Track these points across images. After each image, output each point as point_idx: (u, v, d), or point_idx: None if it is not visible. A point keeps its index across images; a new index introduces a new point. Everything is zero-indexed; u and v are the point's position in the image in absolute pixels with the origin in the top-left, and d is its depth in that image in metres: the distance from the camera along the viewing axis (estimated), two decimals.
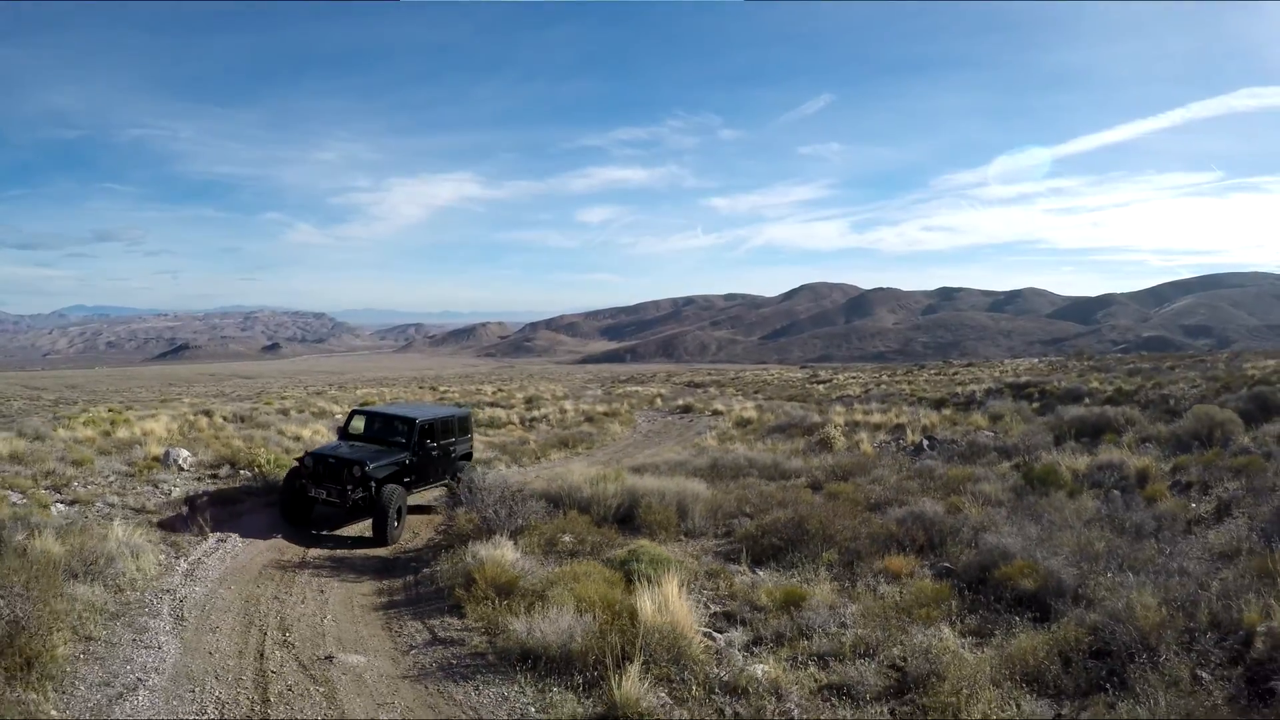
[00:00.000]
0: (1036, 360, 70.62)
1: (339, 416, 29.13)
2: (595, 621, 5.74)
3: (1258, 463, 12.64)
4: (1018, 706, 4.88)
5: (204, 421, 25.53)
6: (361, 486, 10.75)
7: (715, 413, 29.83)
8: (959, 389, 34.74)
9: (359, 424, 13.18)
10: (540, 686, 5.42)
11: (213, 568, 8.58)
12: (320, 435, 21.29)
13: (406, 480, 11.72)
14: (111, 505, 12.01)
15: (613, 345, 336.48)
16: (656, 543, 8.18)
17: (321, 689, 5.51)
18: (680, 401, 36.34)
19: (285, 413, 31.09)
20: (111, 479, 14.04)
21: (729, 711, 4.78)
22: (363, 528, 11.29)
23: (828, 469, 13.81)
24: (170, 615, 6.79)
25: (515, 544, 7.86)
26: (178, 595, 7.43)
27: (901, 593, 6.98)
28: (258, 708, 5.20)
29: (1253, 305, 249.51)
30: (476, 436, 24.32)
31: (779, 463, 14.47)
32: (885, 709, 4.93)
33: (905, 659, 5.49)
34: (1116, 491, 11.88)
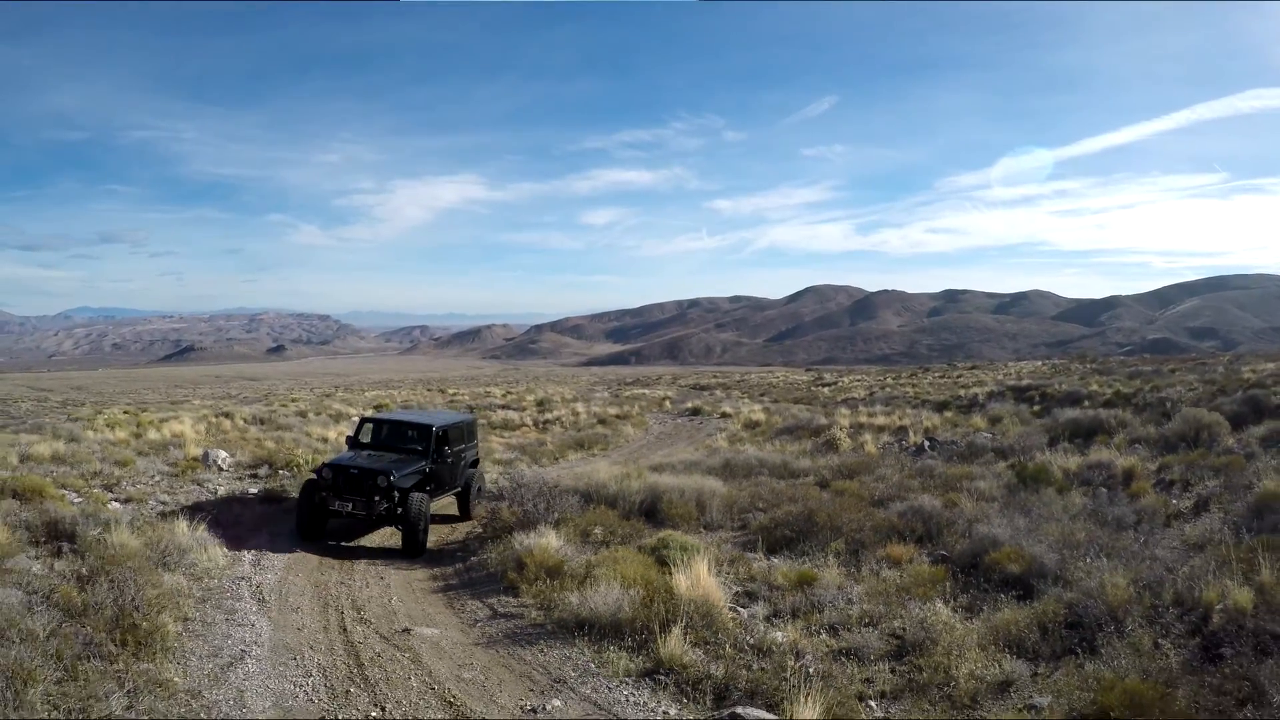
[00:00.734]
0: (1040, 363, 71.08)
1: (354, 418, 30.03)
2: (639, 595, 6.67)
3: (1238, 462, 13.45)
4: (1000, 666, 5.74)
5: (227, 424, 26.45)
6: (386, 497, 10.45)
7: (724, 415, 30.63)
8: (962, 392, 35.34)
9: (372, 432, 12.78)
10: (597, 648, 6.37)
11: (277, 558, 9.45)
12: (345, 435, 22.16)
13: (428, 489, 11.43)
14: (163, 503, 12.87)
15: (618, 348, 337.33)
16: (681, 533, 9.06)
17: (406, 655, 6.39)
18: (688, 404, 37.13)
19: (303, 415, 31.98)
20: (157, 479, 14.93)
21: (755, 666, 5.67)
22: (382, 538, 11.19)
23: (834, 468, 14.66)
24: (251, 599, 7.67)
25: (556, 533, 8.75)
26: (253, 582, 8.30)
27: (902, 576, 7.84)
28: (355, 670, 6.06)
29: (1258, 307, 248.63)
30: (494, 438, 25.16)
31: (788, 462, 15.33)
32: (887, 668, 5.79)
33: (904, 629, 6.37)
34: (1104, 489, 12.74)
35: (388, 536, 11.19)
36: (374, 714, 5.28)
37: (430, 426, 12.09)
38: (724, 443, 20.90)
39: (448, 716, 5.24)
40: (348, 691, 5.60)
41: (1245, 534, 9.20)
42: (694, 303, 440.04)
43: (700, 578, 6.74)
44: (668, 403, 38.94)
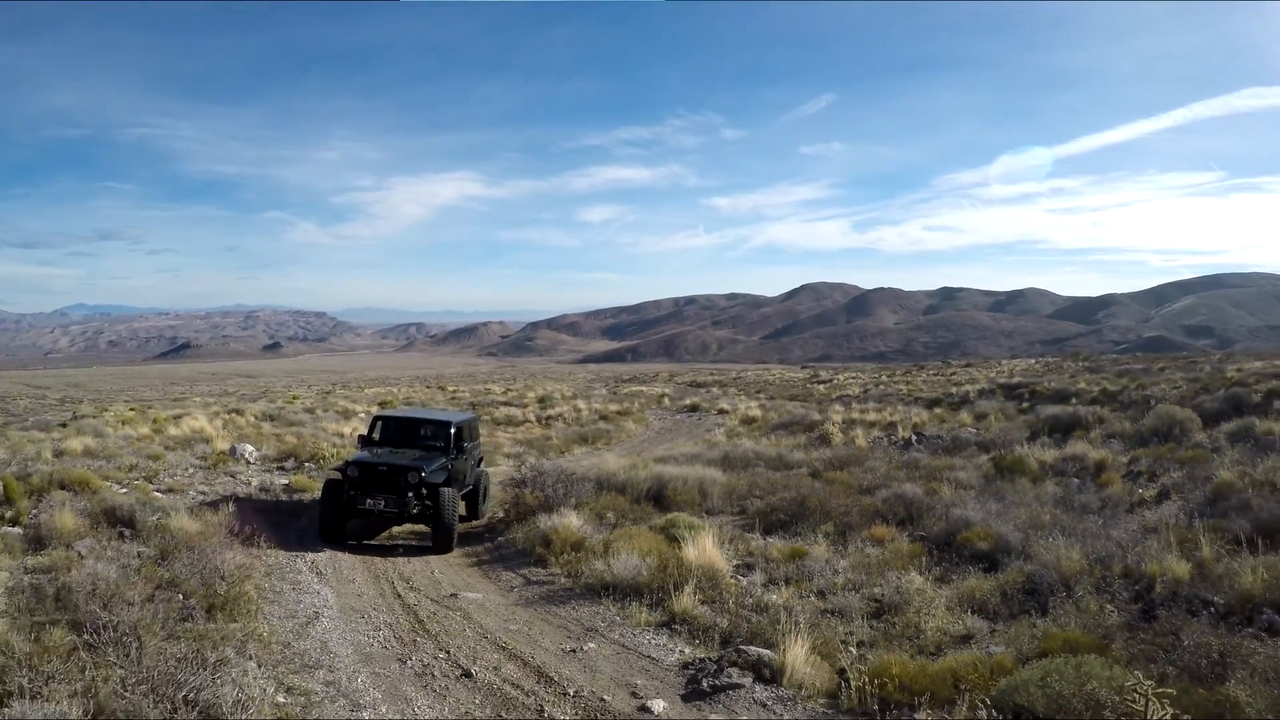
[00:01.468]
0: (1033, 361, 72.04)
1: (362, 415, 30.90)
2: (653, 563, 7.68)
3: (1203, 455, 14.43)
4: (963, 623, 6.71)
5: (241, 420, 27.34)
6: (418, 494, 10.47)
7: (721, 411, 31.60)
8: (954, 389, 36.24)
9: (386, 429, 12.67)
10: (620, 605, 7.42)
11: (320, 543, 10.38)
12: (359, 431, 23.02)
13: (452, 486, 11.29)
14: (203, 493, 13.76)
15: (614, 345, 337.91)
16: (687, 515, 10.05)
17: (457, 613, 7.40)
18: (686, 401, 38.10)
19: (311, 411, 32.89)
20: (191, 471, 15.83)
21: (754, 619, 6.63)
22: (404, 535, 11.35)
23: (826, 460, 15.63)
24: (310, 572, 8.62)
25: (576, 514, 9.73)
26: (307, 558, 9.22)
27: (883, 552, 8.80)
28: (416, 625, 7.06)
29: (1254, 305, 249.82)
30: (500, 434, 26.07)
31: (783, 455, 16.31)
32: (866, 623, 6.75)
33: (883, 594, 7.33)
34: (1076, 479, 13.74)
35: (410, 533, 11.32)
36: (441, 656, 6.25)
37: (449, 423, 12.20)
38: (722, 437, 21.88)
39: (502, 656, 6.24)
40: (415, 640, 6.57)
41: (1199, 519, 10.18)
42: (690, 300, 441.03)
43: (706, 549, 7.76)
44: (666, 400, 39.90)
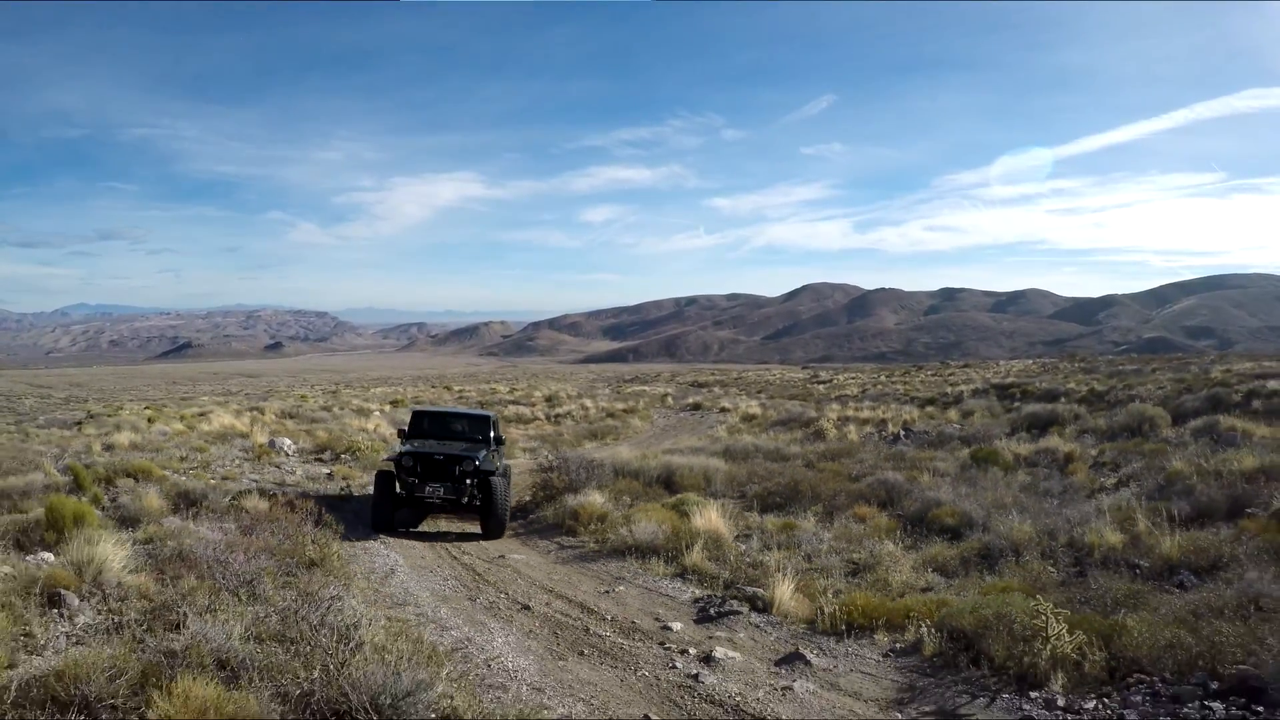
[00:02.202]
0: (1031, 362, 73.08)
1: (377, 413, 32.32)
2: (668, 529, 9.15)
3: (1163, 448, 15.82)
4: (924, 578, 8.11)
5: (265, 418, 28.76)
6: (469, 483, 11.05)
7: (723, 410, 32.98)
8: (949, 389, 37.35)
9: (425, 424, 13.24)
10: (641, 561, 8.92)
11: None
12: (382, 428, 24.46)
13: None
14: (255, 480, 15.19)
15: (615, 345, 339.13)
16: (694, 494, 11.50)
17: (508, 569, 8.90)
18: (689, 400, 39.45)
19: (328, 409, 34.32)
20: (239, 462, 17.23)
21: (751, 571, 8.07)
22: (447, 524, 12.07)
23: (820, 453, 17.04)
24: (377, 541, 10.07)
25: (599, 494, 11.18)
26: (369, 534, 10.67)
27: (864, 527, 10.21)
28: (476, 577, 8.57)
29: (1254, 306, 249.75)
30: (514, 430, 27.47)
31: (780, 449, 17.71)
32: (843, 579, 8.15)
33: (860, 557, 8.75)
34: (1046, 469, 15.15)
35: (453, 522, 12.04)
36: (502, 596, 7.74)
37: (488, 418, 13.17)
38: (724, 433, 23.29)
39: (550, 596, 7.74)
40: (478, 586, 8.06)
41: (1147, 502, 11.57)
42: (691, 300, 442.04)
43: (711, 519, 9.23)
44: (669, 399, 41.23)
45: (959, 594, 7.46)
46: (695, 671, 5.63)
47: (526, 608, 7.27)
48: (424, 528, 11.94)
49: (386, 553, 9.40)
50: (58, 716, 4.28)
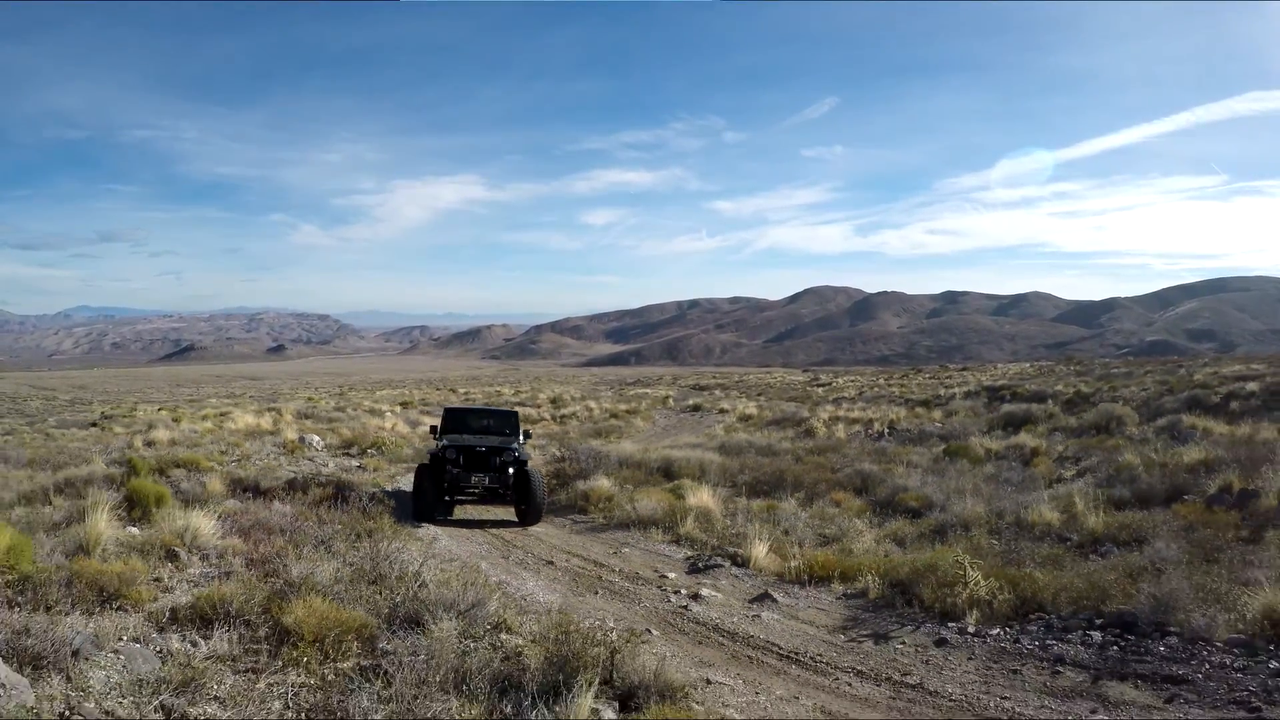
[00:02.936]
0: (1028, 365, 74.15)
1: (388, 414, 33.81)
2: (665, 506, 10.74)
3: (1121, 444, 17.27)
4: (883, 548, 9.58)
5: (284, 418, 30.28)
6: (511, 472, 11.75)
7: (721, 411, 34.39)
8: (943, 391, 38.55)
9: (458, 421, 13.76)
10: (643, 531, 10.53)
11: None
12: (399, 427, 25.92)
13: None
14: (294, 472, 16.62)
15: (617, 348, 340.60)
16: (689, 481, 13.02)
17: (532, 538, 10.57)
18: (689, 402, 40.79)
19: (342, 410, 35.86)
20: (275, 456, 18.69)
21: (735, 539, 9.58)
22: (479, 512, 12.72)
23: (808, 449, 18.51)
24: (418, 525, 11.52)
25: (607, 480, 12.71)
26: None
27: (839, 510, 11.69)
28: (506, 543, 10.24)
29: (1256, 309, 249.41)
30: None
31: (772, 445, 19.18)
32: (814, 547, 9.64)
33: (830, 531, 10.23)
34: (1013, 462, 16.59)
35: (485, 514, 12.71)
36: (529, 555, 9.41)
37: (514, 413, 14.13)
38: (721, 431, 24.76)
39: (569, 555, 9.39)
40: (508, 549, 9.70)
41: (1097, 490, 13.01)
42: (694, 303, 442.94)
43: (703, 498, 10.83)
44: (670, 401, 42.58)
45: (915, 558, 8.92)
46: (685, 604, 7.21)
47: (550, 563, 8.91)
48: (455, 515, 12.60)
49: (428, 528, 10.93)
50: (208, 626, 5.77)
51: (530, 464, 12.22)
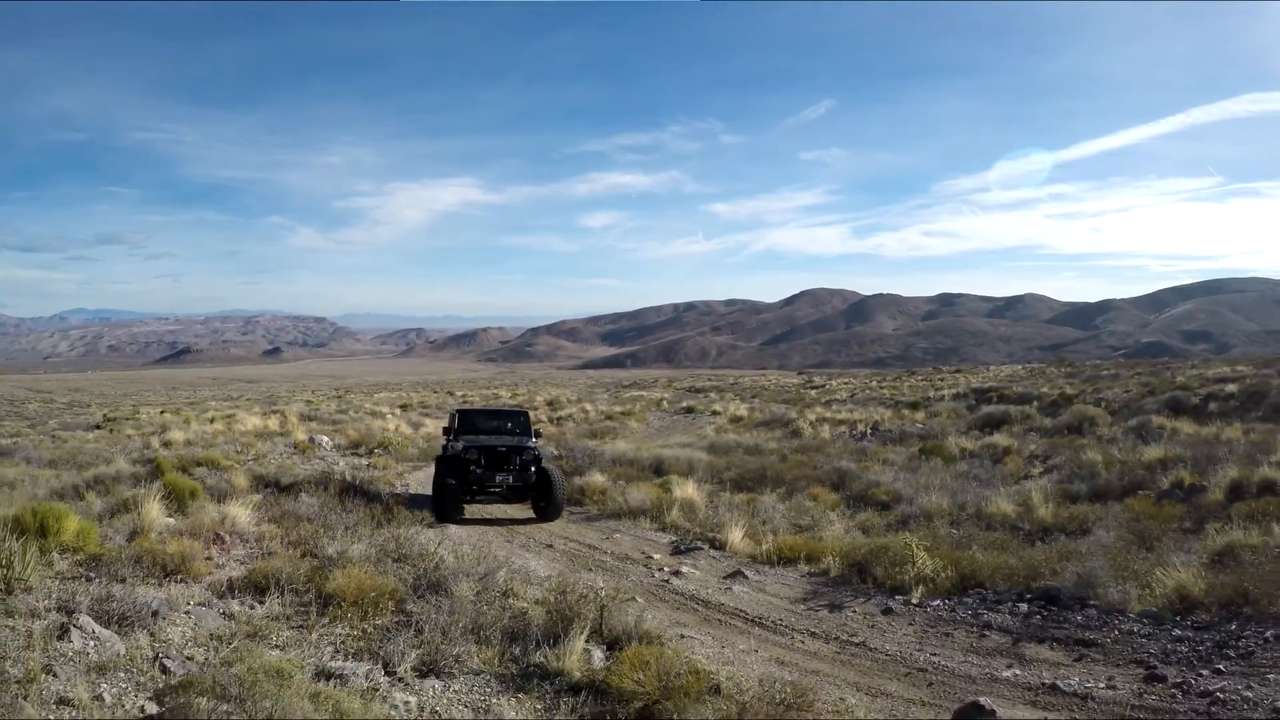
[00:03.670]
0: (1020, 367, 74.88)
1: (389, 416, 34.76)
2: (654, 498, 11.81)
3: (1089, 443, 18.30)
4: (851, 537, 10.62)
5: (290, 420, 31.20)
6: (531, 469, 12.10)
7: (714, 413, 35.40)
8: (933, 393, 39.25)
9: (470, 421, 13.82)
10: (633, 520, 11.60)
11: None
12: (402, 428, 26.86)
13: None
14: (308, 470, 17.60)
15: (613, 351, 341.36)
16: (677, 477, 14.09)
17: (532, 526, 11.71)
18: (683, 404, 41.76)
19: (344, 412, 36.78)
20: (288, 455, 19.65)
21: (716, 526, 10.64)
22: (494, 510, 13.13)
23: (793, 448, 19.55)
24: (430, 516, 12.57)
25: (601, 475, 13.78)
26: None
27: (815, 503, 12.73)
28: (510, 530, 11.34)
29: (1252, 310, 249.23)
30: None
31: (759, 445, 20.22)
32: (789, 535, 10.69)
33: (803, 521, 11.28)
34: (983, 460, 17.63)
35: (498, 511, 13.10)
36: (532, 540, 10.53)
37: (526, 413, 14.48)
38: (711, 432, 25.80)
39: (567, 540, 10.48)
40: (512, 535, 10.83)
41: (1059, 486, 14.02)
42: (690, 306, 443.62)
43: (688, 491, 11.92)
44: (665, 403, 43.51)
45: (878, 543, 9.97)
46: (667, 579, 8.31)
47: (549, 546, 10.08)
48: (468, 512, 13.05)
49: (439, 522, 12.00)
50: (261, 594, 6.79)
51: (547, 462, 12.59)
